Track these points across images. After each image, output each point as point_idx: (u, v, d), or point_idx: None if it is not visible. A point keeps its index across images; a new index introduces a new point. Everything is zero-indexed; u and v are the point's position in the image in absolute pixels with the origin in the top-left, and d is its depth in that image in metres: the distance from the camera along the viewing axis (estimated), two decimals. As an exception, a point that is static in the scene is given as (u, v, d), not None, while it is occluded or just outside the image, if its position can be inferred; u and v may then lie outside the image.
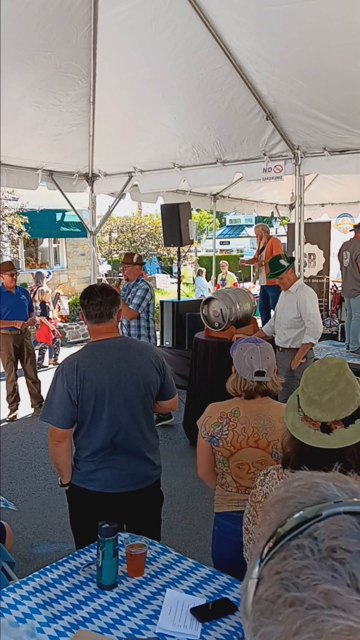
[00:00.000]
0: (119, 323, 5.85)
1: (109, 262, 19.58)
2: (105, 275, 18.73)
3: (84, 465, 2.70)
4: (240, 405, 2.52)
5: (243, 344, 2.58)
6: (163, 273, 22.46)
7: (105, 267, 20.38)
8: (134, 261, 6.09)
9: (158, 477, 2.85)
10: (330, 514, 0.50)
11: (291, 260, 5.43)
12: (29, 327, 7.13)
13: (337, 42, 4.42)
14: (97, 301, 2.71)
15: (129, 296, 5.96)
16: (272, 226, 12.84)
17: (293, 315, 5.21)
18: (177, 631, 1.87)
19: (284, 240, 11.97)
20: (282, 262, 5.25)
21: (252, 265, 9.37)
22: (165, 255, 20.10)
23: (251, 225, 34.77)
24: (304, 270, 6.77)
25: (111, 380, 2.64)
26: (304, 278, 5.75)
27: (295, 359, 5.15)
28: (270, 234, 9.84)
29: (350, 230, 8.30)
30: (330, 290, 10.79)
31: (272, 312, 8.13)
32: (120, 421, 2.66)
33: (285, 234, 12.10)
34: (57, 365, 2.72)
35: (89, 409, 2.62)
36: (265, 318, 8.98)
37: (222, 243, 34.62)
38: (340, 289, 9.74)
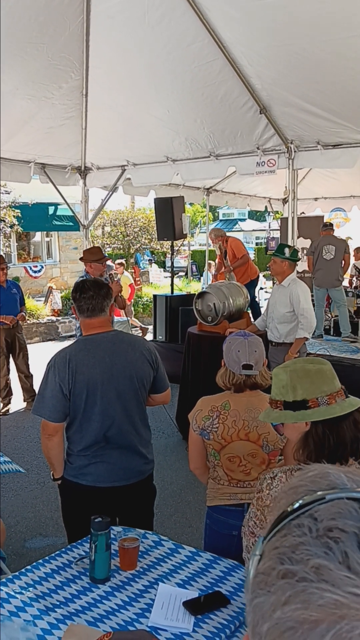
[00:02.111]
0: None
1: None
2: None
3: (76, 459, 2.70)
4: (231, 398, 2.53)
5: (232, 337, 2.60)
6: (158, 267, 22.46)
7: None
8: (103, 256, 6.04)
9: (151, 471, 2.85)
10: (332, 498, 0.52)
11: (294, 255, 5.37)
12: (21, 321, 7.10)
13: (331, 36, 4.42)
14: (89, 295, 2.70)
15: None
16: (266, 220, 12.86)
17: (285, 310, 5.20)
18: (170, 625, 1.88)
19: (276, 234, 11.98)
20: (287, 251, 5.28)
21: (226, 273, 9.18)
22: (159, 249, 20.05)
23: (244, 220, 34.75)
24: (297, 265, 6.78)
25: (103, 374, 2.63)
26: (297, 272, 5.76)
27: (290, 353, 5.13)
28: (227, 235, 9.66)
29: (326, 228, 9.05)
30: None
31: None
32: (113, 415, 2.65)
33: (279, 228, 12.11)
34: (49, 360, 2.72)
35: (81, 403, 2.62)
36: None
37: (215, 237, 34.51)
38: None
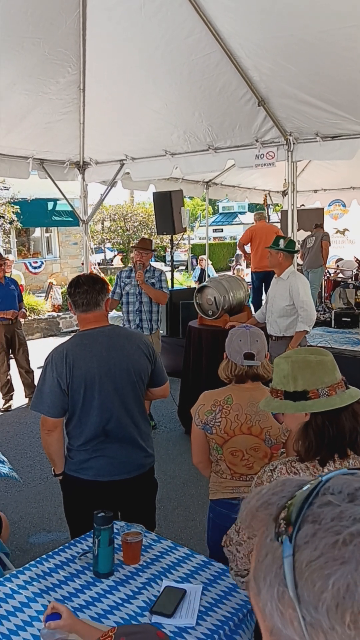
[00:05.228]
0: (140, 312, 5.81)
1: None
2: (99, 264, 18.68)
3: (77, 454, 2.71)
4: (233, 392, 2.53)
5: (234, 329, 2.62)
6: (156, 261, 22.46)
7: (98, 256, 20.32)
8: (152, 248, 6.07)
9: (151, 464, 2.86)
10: (327, 478, 0.58)
11: (289, 246, 5.31)
12: (22, 318, 7.11)
13: (328, 26, 4.39)
14: (83, 289, 2.71)
15: (153, 281, 5.85)
16: (267, 210, 12.86)
17: (285, 303, 5.14)
18: (174, 623, 1.88)
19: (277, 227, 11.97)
20: (281, 242, 5.24)
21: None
22: (159, 243, 20.04)
23: (244, 213, 34.69)
24: (296, 257, 6.77)
25: (101, 368, 2.64)
26: (297, 265, 5.77)
27: (290, 347, 5.08)
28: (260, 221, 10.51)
29: (316, 226, 10.74)
30: (323, 277, 10.81)
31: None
32: (112, 409, 2.66)
33: (279, 220, 12.09)
34: (47, 356, 2.72)
35: (79, 398, 2.62)
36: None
37: (215, 230, 34.52)
38: (331, 274, 11.11)
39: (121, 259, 19.41)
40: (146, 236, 17.71)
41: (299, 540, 0.54)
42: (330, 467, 1.65)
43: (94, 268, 14.97)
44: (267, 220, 11.36)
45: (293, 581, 0.53)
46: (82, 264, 10.40)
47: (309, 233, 10.76)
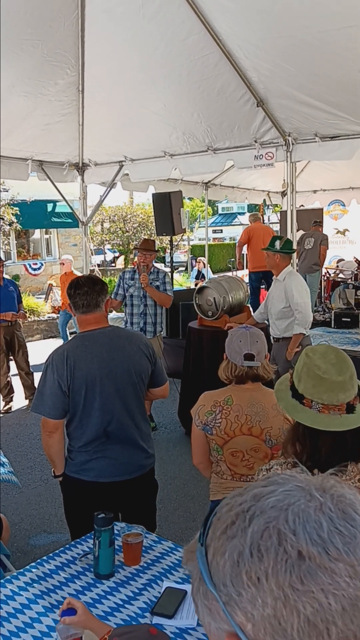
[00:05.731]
0: (144, 314, 5.78)
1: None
2: (98, 265, 18.68)
3: (77, 455, 2.70)
4: (234, 393, 2.53)
5: (234, 330, 2.62)
6: (156, 262, 22.48)
7: (98, 257, 20.33)
8: (155, 249, 6.02)
9: (152, 465, 2.85)
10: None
11: (285, 247, 5.27)
12: (22, 319, 7.10)
13: (328, 27, 4.38)
14: (83, 291, 2.71)
15: (157, 283, 5.81)
16: (265, 213, 12.88)
17: (282, 305, 5.08)
18: (175, 624, 1.88)
19: (276, 227, 11.99)
20: (277, 244, 5.19)
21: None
22: (158, 244, 20.06)
23: (244, 213, 34.68)
24: (291, 257, 6.77)
25: (101, 370, 2.63)
26: (296, 265, 5.76)
27: (289, 349, 5.04)
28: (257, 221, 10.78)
29: (315, 224, 10.66)
30: (323, 277, 10.81)
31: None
32: (113, 410, 2.66)
33: (278, 221, 12.10)
34: (47, 357, 2.72)
35: (80, 399, 2.62)
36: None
37: (214, 231, 34.50)
38: (332, 274, 11.05)
39: (122, 259, 19.41)
40: (146, 237, 17.73)
41: (208, 541, 0.63)
42: None
43: (93, 269, 14.95)
44: (262, 222, 11.39)
45: (208, 574, 0.60)
46: (63, 263, 10.46)
47: (310, 231, 10.58)
